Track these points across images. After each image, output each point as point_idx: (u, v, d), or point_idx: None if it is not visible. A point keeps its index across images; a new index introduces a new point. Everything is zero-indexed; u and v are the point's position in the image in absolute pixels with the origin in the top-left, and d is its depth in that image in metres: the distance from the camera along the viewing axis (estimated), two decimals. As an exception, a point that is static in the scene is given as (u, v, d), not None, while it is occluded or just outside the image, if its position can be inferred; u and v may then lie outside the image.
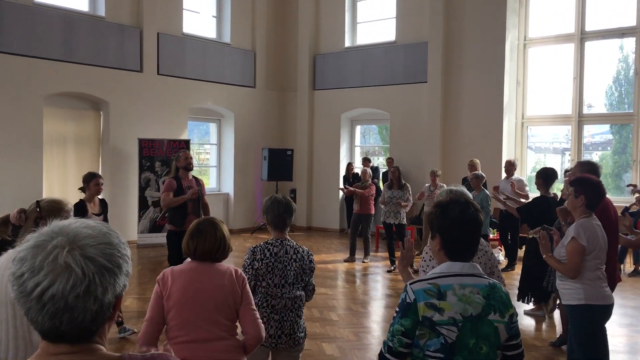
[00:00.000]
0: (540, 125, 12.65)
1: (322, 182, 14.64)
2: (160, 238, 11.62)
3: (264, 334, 2.96)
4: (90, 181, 6.08)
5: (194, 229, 2.97)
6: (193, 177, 6.92)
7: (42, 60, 10.37)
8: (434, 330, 2.07)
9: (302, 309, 3.67)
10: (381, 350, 2.17)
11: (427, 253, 3.30)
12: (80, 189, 6.17)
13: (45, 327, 1.15)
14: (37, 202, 2.80)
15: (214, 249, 2.94)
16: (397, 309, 2.15)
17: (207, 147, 14.71)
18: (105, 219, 6.05)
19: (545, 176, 6.71)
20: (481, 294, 2.14)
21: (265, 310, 3.53)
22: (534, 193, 11.59)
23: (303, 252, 3.63)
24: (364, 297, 8.15)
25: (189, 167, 6.82)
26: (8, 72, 9.93)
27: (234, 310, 2.91)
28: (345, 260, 10.45)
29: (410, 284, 2.15)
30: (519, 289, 6.91)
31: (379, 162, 14.74)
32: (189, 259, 3.02)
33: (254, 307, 3.01)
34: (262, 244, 3.61)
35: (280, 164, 13.74)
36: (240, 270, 3.03)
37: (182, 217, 6.60)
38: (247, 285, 3.00)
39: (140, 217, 11.53)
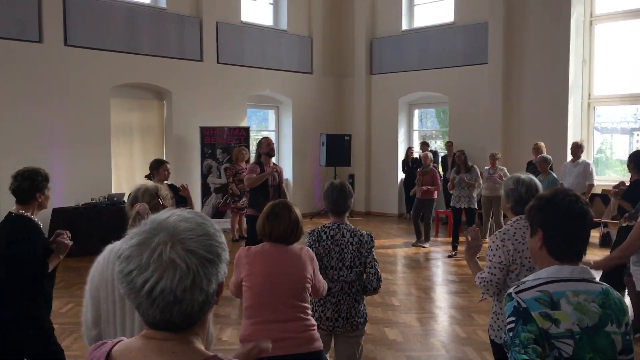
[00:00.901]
0: (608, 105, 12.15)
1: (380, 166, 14.58)
2: (223, 223, 11.89)
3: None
4: (160, 167, 6.33)
5: (269, 212, 3.07)
6: (274, 163, 7.09)
7: (107, 53, 10.72)
8: (550, 344, 1.83)
9: (361, 294, 3.67)
10: None
11: (494, 242, 3.24)
12: (146, 176, 6.40)
13: (157, 319, 1.20)
14: (156, 193, 2.89)
15: (288, 231, 3.04)
16: (513, 319, 1.88)
17: (265, 133, 14.88)
18: (183, 202, 6.25)
19: (636, 159, 6.42)
20: (596, 302, 1.90)
21: None
22: (601, 177, 11.22)
23: (362, 235, 3.65)
24: (425, 283, 8.11)
25: (271, 153, 6.99)
26: (75, 65, 10.32)
27: (307, 291, 3.02)
28: (413, 245, 10.43)
29: (516, 293, 1.91)
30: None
31: (437, 145, 14.56)
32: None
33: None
34: (319, 227, 3.69)
35: (338, 149, 13.76)
36: (310, 250, 3.14)
37: (263, 202, 6.75)
38: (315, 261, 3.13)
39: (203, 203, 11.81)
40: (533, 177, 3.44)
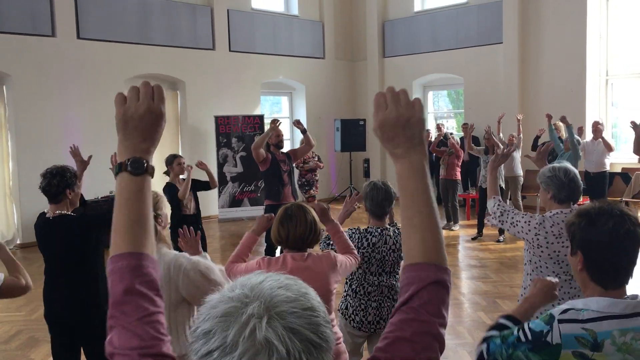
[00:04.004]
0: (627, 81, 11.94)
1: (396, 150, 14.48)
2: (240, 212, 11.92)
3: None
4: (173, 162, 6.33)
5: (283, 215, 2.87)
6: (282, 153, 7.13)
7: (120, 44, 10.70)
8: None
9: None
10: (481, 351, 1.84)
11: (532, 215, 3.19)
12: (165, 172, 6.39)
13: None
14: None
15: (305, 233, 2.83)
16: (526, 336, 1.77)
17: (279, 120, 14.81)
18: (195, 197, 6.28)
19: None
20: None
21: (363, 297, 3.50)
22: (618, 153, 11.04)
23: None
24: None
25: (280, 144, 7.04)
26: (89, 57, 10.31)
27: (331, 302, 2.89)
28: (442, 228, 10.39)
29: (559, 322, 1.73)
30: None
31: (448, 125, 14.47)
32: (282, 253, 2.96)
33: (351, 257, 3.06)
34: (361, 230, 3.52)
35: (353, 134, 13.68)
36: (332, 253, 2.94)
37: (278, 190, 6.80)
38: (339, 262, 2.93)
39: (220, 192, 11.83)
40: (567, 163, 3.39)
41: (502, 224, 3.21)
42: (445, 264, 1.20)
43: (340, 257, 2.97)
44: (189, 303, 2.76)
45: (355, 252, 3.17)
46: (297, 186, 7.25)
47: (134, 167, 1.23)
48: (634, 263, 1.79)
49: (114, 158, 3.63)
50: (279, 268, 2.76)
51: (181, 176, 6.44)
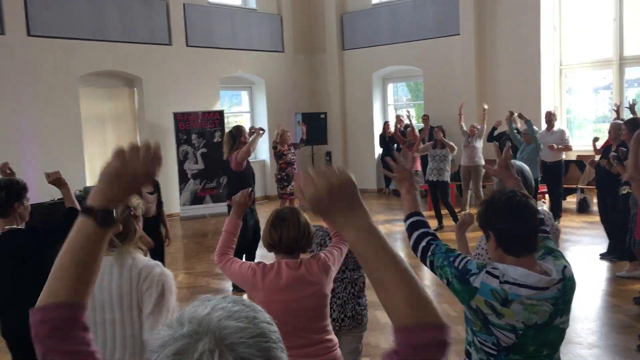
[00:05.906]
0: (579, 70, 12.27)
1: (357, 142, 14.55)
2: (202, 209, 11.79)
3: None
4: None
5: (275, 217, 2.79)
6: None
7: (72, 41, 10.41)
8: (487, 328, 1.97)
9: (364, 288, 3.62)
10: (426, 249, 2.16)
11: (482, 248, 3.14)
12: None
13: None
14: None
15: (299, 236, 2.75)
16: (460, 262, 2.03)
17: (240, 115, 14.70)
18: (159, 196, 6.07)
19: (635, 127, 6.25)
20: (550, 302, 1.96)
21: None
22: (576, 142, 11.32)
23: None
24: (409, 260, 8.13)
25: (247, 140, 7.07)
26: (41, 55, 9.99)
27: (327, 307, 2.83)
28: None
29: (486, 272, 1.97)
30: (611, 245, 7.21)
31: (410, 113, 14.58)
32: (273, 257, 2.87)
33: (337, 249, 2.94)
34: (323, 230, 3.49)
35: (314, 127, 13.60)
36: (322, 257, 2.83)
37: (251, 191, 6.77)
38: (331, 261, 2.82)
39: (181, 190, 11.68)
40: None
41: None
42: (434, 319, 1.11)
43: (331, 256, 2.87)
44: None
45: None
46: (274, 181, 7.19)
47: (104, 219, 1.23)
48: (534, 230, 2.06)
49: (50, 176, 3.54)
50: (274, 277, 2.70)
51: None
